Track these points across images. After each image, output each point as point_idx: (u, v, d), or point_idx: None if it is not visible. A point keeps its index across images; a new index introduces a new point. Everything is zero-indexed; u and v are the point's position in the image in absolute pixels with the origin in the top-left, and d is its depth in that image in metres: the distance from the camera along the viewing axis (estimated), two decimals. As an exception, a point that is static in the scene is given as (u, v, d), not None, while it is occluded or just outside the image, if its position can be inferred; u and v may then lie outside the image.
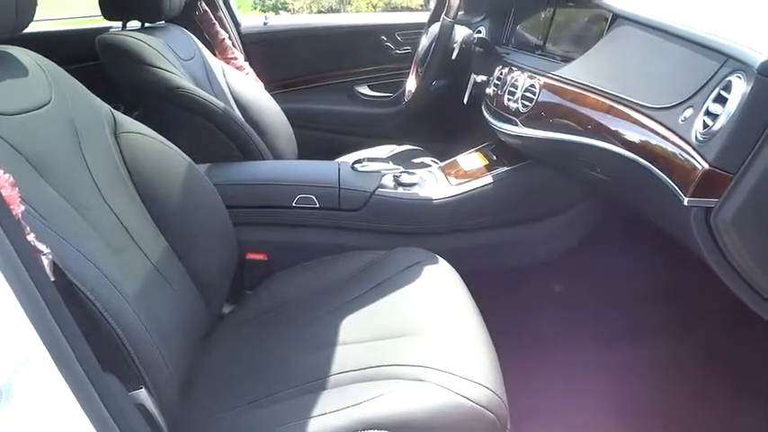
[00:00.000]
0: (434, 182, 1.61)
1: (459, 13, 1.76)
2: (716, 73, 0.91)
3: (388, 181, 1.55)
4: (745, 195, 0.84)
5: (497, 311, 1.20)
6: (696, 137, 0.89)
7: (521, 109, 1.45)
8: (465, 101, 1.85)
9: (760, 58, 0.83)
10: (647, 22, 1.13)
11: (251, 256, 1.46)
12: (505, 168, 1.58)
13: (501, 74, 1.65)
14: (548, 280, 1.60)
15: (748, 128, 0.83)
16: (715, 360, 1.46)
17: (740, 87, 0.85)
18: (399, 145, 2.12)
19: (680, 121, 0.94)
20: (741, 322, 1.23)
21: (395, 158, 1.93)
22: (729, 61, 0.89)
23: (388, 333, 1.03)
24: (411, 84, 2.13)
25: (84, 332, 0.64)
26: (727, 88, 0.87)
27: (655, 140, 0.99)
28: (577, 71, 1.30)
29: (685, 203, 0.88)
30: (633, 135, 1.05)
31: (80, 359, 0.60)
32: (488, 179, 1.56)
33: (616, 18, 1.24)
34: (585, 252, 1.55)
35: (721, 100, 0.87)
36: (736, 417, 1.35)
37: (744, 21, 1.02)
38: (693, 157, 0.89)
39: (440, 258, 1.28)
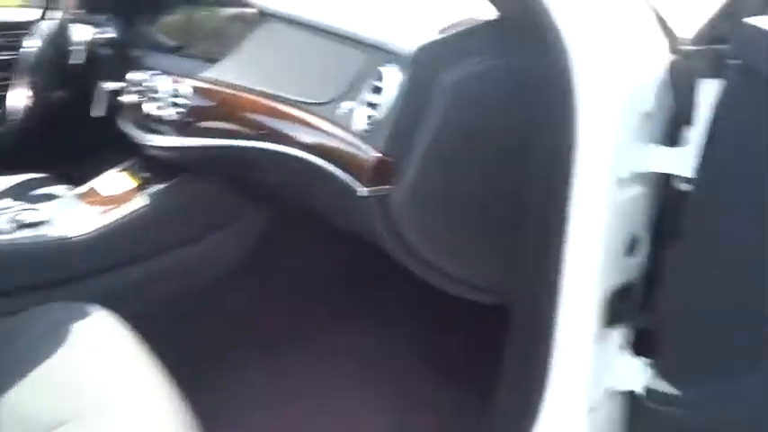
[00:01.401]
0: (71, 215, 1.33)
1: (77, 11, 1.51)
2: (368, 65, 0.92)
3: (3, 224, 1.23)
4: (412, 180, 0.87)
5: (175, 349, 1.02)
6: (361, 128, 0.89)
7: (169, 117, 1.29)
8: (95, 113, 1.59)
9: (411, 48, 0.86)
10: (293, 19, 1.11)
11: None
12: (159, 186, 1.40)
13: (139, 79, 1.45)
14: (225, 297, 1.47)
15: (406, 115, 0.86)
16: (404, 345, 1.49)
17: (394, 77, 0.87)
18: (15, 175, 1.71)
19: (343, 115, 0.93)
20: (425, 306, 1.29)
21: (12, 193, 1.55)
22: (380, 53, 0.92)
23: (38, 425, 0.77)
24: (18, 98, 1.73)
25: None
26: (382, 79, 0.89)
27: (320, 137, 0.97)
28: (227, 72, 1.21)
29: (360, 194, 0.87)
30: (298, 133, 1.01)
31: None
32: (140, 202, 1.36)
33: (262, 15, 1.20)
34: (260, 262, 1.48)
35: (378, 91, 0.89)
36: (432, 395, 1.36)
37: (393, 12, 1.06)
38: (361, 148, 0.89)
39: (95, 308, 1.02)
